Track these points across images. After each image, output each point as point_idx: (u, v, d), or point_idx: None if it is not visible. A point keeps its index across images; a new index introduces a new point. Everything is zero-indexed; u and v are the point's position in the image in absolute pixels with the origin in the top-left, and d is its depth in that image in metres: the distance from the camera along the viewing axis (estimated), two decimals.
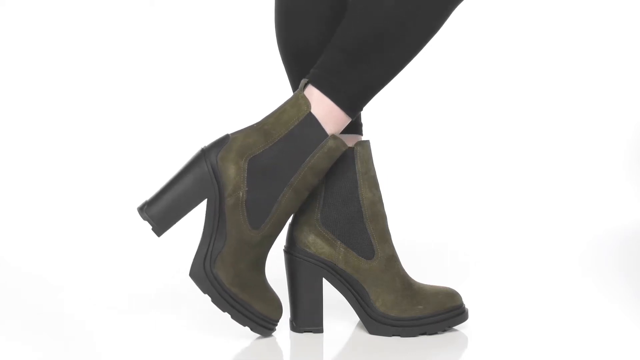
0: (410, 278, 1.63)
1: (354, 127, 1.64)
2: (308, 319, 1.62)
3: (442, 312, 1.61)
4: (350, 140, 1.62)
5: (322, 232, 1.61)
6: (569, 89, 2.69)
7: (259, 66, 2.67)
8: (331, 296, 1.67)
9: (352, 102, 1.53)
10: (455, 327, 1.63)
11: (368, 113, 1.76)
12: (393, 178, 2.32)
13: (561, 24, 2.72)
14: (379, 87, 1.54)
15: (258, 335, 1.60)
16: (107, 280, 1.95)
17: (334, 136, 1.53)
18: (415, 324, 1.60)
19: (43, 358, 1.55)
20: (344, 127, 1.56)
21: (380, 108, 2.09)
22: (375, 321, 1.60)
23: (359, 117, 1.66)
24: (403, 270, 1.63)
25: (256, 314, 1.56)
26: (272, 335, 1.61)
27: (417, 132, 2.66)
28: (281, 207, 1.54)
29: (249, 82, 2.71)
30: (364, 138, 1.67)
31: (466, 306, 1.64)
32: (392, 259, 1.62)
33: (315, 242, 1.61)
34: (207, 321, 1.69)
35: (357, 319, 1.65)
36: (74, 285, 1.92)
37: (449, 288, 1.64)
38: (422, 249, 2.16)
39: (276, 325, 1.60)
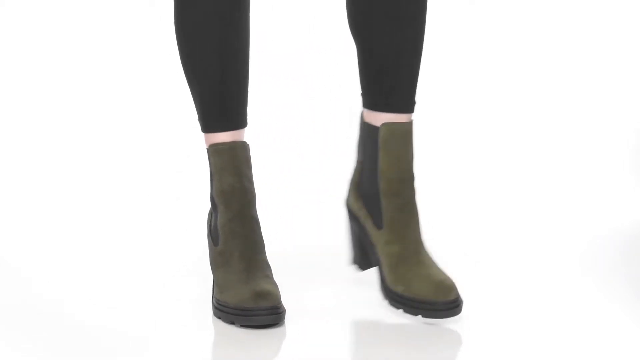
0: (420, 252, 1.72)
1: (402, 106, 1.74)
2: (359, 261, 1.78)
3: (418, 301, 1.64)
4: (379, 119, 1.72)
5: (356, 195, 1.77)
6: (571, 87, 2.69)
7: (259, 66, 2.67)
8: (331, 296, 1.67)
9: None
10: (454, 328, 1.63)
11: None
12: None
13: (564, 24, 2.72)
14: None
15: (258, 335, 1.60)
16: (107, 280, 1.95)
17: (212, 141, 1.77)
18: (397, 300, 1.68)
19: (43, 358, 1.55)
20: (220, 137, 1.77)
21: None
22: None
23: (402, 98, 1.74)
24: (414, 241, 1.72)
25: (230, 308, 1.66)
26: (269, 328, 1.62)
27: (417, 133, 2.65)
28: (218, 221, 1.72)
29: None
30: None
31: (447, 304, 1.64)
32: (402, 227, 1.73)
33: (353, 203, 1.77)
34: (206, 321, 1.69)
35: (358, 318, 1.65)
36: (74, 285, 1.92)
37: (446, 282, 1.65)
38: None
39: (258, 313, 1.63)
